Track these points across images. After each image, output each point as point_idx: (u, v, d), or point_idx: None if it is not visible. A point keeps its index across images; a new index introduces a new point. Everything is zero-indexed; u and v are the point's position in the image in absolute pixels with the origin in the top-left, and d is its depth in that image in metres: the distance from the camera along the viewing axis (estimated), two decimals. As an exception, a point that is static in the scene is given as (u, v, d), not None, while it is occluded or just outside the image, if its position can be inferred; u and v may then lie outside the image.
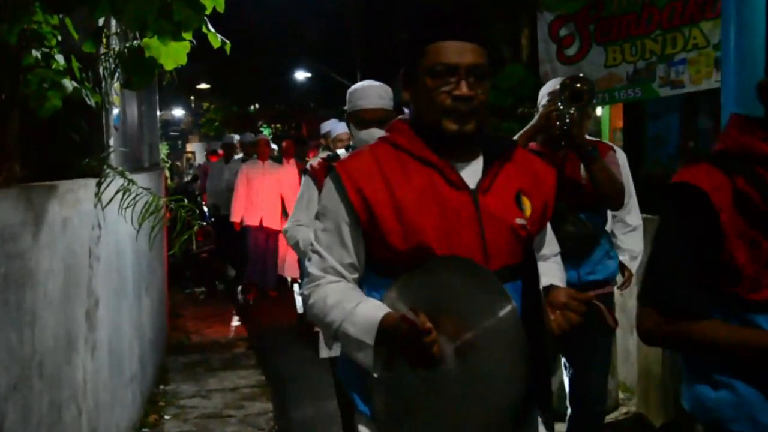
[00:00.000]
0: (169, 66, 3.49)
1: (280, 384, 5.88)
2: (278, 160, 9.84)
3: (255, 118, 25.07)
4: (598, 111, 11.57)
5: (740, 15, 5.07)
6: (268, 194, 9.09)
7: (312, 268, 1.97)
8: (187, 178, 19.69)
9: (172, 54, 3.42)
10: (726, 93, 5.14)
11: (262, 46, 18.50)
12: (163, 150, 21.91)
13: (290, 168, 9.42)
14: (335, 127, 6.14)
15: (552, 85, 3.65)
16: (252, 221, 9.17)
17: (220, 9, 3.21)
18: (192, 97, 31.79)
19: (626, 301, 5.07)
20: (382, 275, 1.93)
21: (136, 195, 3.73)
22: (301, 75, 22.48)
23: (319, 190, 2.97)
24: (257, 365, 6.47)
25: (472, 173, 1.94)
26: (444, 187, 1.88)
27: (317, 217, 2.01)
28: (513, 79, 7.63)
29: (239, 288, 9.42)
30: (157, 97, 8.68)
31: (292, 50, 19.65)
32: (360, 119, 3.40)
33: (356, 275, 1.96)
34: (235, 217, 9.24)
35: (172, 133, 36.10)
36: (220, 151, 15.60)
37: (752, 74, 5.05)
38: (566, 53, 8.00)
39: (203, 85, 24.88)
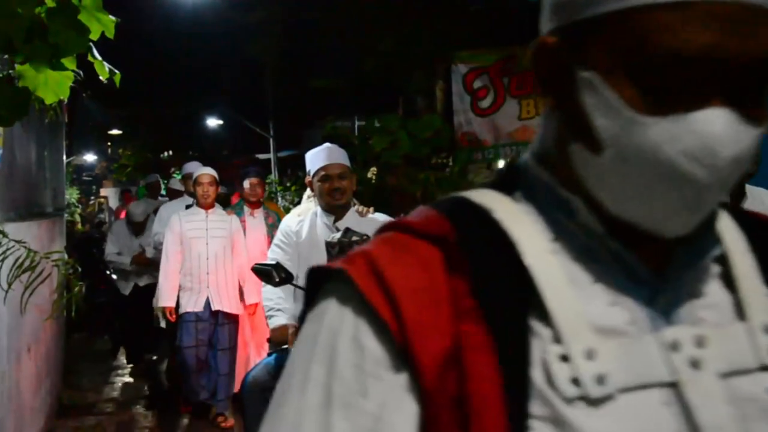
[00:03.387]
0: (49, 99, 2.84)
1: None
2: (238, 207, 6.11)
3: (168, 164, 24.18)
4: (501, 164, 11.41)
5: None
6: (219, 262, 5.59)
7: None
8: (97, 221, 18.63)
9: (52, 85, 2.79)
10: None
11: (176, 93, 17.81)
12: (73, 195, 20.73)
13: (257, 222, 5.93)
14: (316, 157, 3.69)
15: None
16: (191, 305, 5.53)
17: (110, 35, 2.64)
18: (109, 144, 30.71)
19: None
20: None
21: (6, 249, 3.03)
22: (213, 122, 21.81)
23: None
24: (157, 427, 5.70)
25: None
26: None
27: None
28: (429, 129, 7.24)
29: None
30: (64, 141, 7.92)
31: (206, 98, 19.02)
32: None
33: None
34: (167, 300, 5.56)
35: (85, 178, 34.72)
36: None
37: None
38: (480, 105, 7.70)
39: (115, 131, 23.87)
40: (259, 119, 16.64)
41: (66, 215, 8.13)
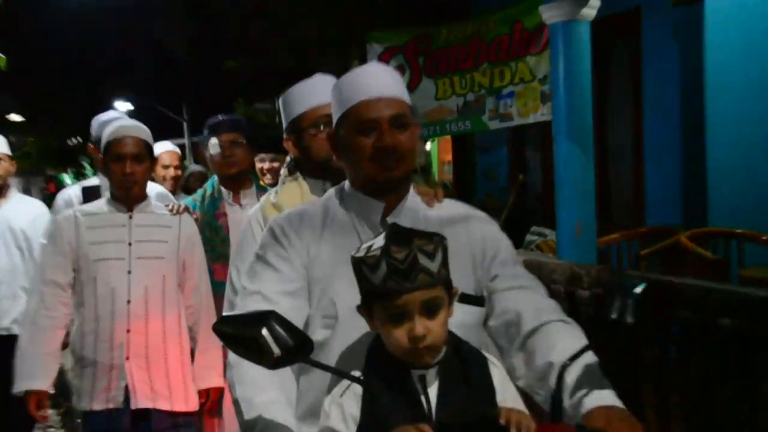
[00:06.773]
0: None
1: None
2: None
3: (77, 152, 22.95)
4: (427, 145, 11.22)
5: (568, 50, 4.70)
6: (151, 308, 2.76)
7: None
8: None
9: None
10: (557, 125, 4.74)
11: (84, 77, 16.85)
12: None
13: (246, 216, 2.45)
14: (341, 89, 1.63)
15: None
16: (99, 398, 2.69)
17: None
18: (9, 131, 28.93)
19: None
20: None
21: None
22: (123, 106, 20.81)
23: None
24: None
25: None
26: None
27: None
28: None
29: None
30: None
31: (115, 82, 18.08)
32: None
33: None
34: (35, 379, 2.68)
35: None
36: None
37: (581, 106, 4.69)
38: (397, 85, 7.46)
39: (15, 117, 22.37)
40: (172, 103, 15.95)
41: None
